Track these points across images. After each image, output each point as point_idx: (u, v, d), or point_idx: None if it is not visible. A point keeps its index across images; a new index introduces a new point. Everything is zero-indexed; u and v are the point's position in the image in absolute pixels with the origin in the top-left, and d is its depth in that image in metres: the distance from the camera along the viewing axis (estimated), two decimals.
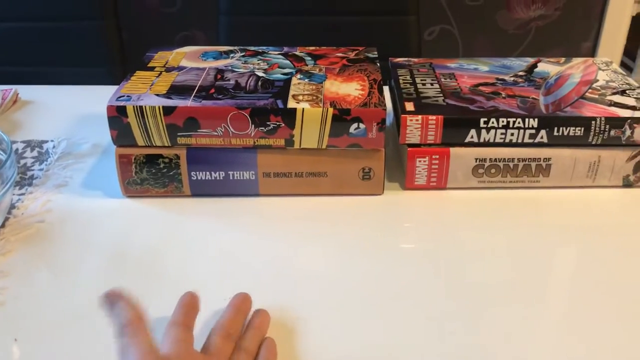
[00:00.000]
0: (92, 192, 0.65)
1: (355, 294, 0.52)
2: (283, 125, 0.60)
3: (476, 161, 0.63)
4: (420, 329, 0.48)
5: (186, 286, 0.52)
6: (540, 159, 0.63)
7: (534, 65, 0.74)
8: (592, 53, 1.67)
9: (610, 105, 0.64)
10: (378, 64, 0.69)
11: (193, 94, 0.62)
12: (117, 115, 0.60)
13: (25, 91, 0.87)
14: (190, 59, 0.70)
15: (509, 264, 0.55)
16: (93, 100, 0.81)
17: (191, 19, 1.54)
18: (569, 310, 0.50)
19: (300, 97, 0.61)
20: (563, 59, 0.75)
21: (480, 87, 0.68)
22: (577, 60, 0.75)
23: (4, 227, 0.59)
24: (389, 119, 0.78)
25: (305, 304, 0.50)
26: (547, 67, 0.73)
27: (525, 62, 0.74)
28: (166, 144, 0.61)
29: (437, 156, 0.63)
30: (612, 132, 0.62)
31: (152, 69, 0.68)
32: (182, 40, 1.55)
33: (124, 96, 0.61)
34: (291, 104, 0.60)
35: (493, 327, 0.48)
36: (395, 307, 0.50)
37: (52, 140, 0.73)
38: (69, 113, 0.82)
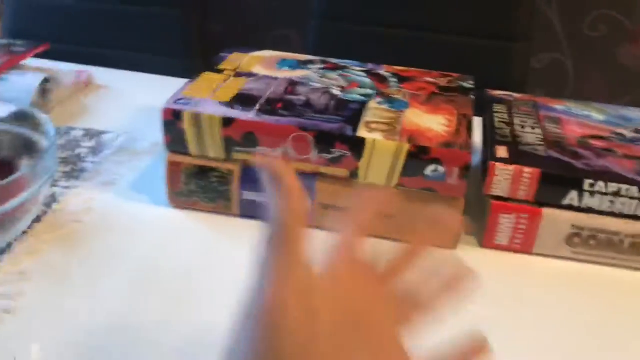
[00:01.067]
0: (139, 196, 0.60)
1: None
2: (349, 154, 0.52)
3: (573, 228, 0.53)
4: None
5: (217, 314, 0.46)
6: None
7: None
8: None
9: None
10: (472, 97, 0.60)
11: (257, 106, 0.55)
12: (172, 120, 0.55)
13: (100, 74, 0.84)
14: (265, 66, 0.64)
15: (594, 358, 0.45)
16: (167, 93, 0.77)
17: (288, 17, 1.50)
18: None
19: (374, 125, 0.53)
20: None
21: (591, 141, 0.57)
22: None
23: (40, 221, 0.55)
24: (475, 159, 0.69)
25: None
26: None
27: None
28: (221, 158, 0.55)
29: (527, 215, 0.53)
30: None
31: (221, 71, 0.62)
32: (276, 39, 1.50)
33: (183, 99, 0.56)
34: (362, 132, 0.52)
35: None
36: None
37: (111, 132, 0.70)
38: (138, 103, 0.78)
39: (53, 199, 0.58)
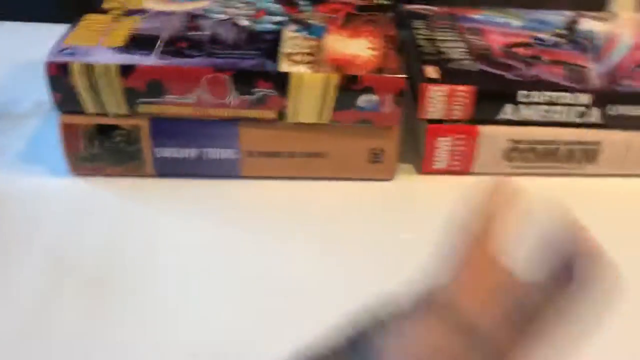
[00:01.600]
0: (33, 167, 0.52)
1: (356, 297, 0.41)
2: (274, 93, 0.47)
3: (510, 143, 0.51)
4: None
5: (150, 292, 0.41)
6: (587, 142, 0.52)
7: (574, 22, 0.61)
8: None
9: None
10: (393, 15, 0.56)
11: (159, 48, 0.48)
12: (59, 75, 0.46)
13: None
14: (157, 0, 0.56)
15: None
16: (44, 42, 0.66)
17: None
18: None
19: (296, 57, 0.48)
20: (606, 14, 0.63)
21: (516, 49, 0.55)
22: (622, 16, 0.63)
23: None
24: None
25: (294, 312, 0.39)
26: (590, 25, 0.60)
27: (562, 15, 0.62)
28: (123, 113, 0.48)
29: (464, 135, 0.51)
30: None
31: (106, 11, 0.53)
32: None
33: (68, 49, 0.48)
34: (284, 66, 0.47)
35: None
36: None
37: None
38: (10, 58, 0.67)
39: None
